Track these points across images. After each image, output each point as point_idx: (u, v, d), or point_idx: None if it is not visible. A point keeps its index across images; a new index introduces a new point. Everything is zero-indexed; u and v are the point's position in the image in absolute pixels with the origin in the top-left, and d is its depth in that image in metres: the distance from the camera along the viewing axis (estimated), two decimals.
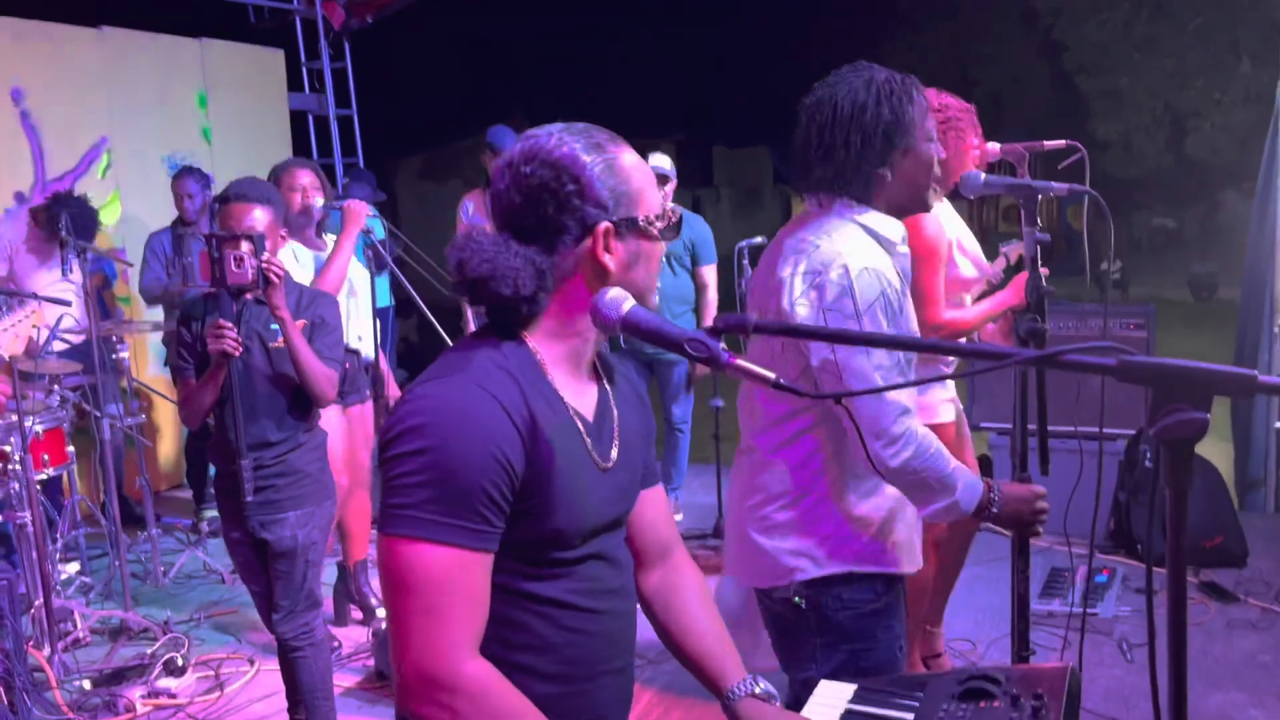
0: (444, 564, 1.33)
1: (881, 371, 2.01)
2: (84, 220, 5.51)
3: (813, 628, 2.14)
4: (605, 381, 1.59)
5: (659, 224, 1.49)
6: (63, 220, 5.38)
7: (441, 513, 1.32)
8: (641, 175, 1.48)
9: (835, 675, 1.73)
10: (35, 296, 5.19)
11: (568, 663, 1.48)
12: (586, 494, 1.45)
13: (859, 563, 2.11)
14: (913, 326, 2.16)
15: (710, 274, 5.52)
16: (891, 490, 2.14)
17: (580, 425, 1.48)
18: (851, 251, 2.04)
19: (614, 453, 1.53)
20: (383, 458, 1.37)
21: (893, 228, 2.14)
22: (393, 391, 4.61)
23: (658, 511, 1.73)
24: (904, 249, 2.18)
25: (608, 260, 1.44)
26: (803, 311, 2.03)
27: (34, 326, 2.80)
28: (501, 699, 1.36)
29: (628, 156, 1.48)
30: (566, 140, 1.44)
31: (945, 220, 3.20)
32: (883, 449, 1.99)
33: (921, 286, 3.03)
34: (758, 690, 1.61)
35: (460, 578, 1.34)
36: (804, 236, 2.11)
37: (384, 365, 4.61)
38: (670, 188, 5.39)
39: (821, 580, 2.11)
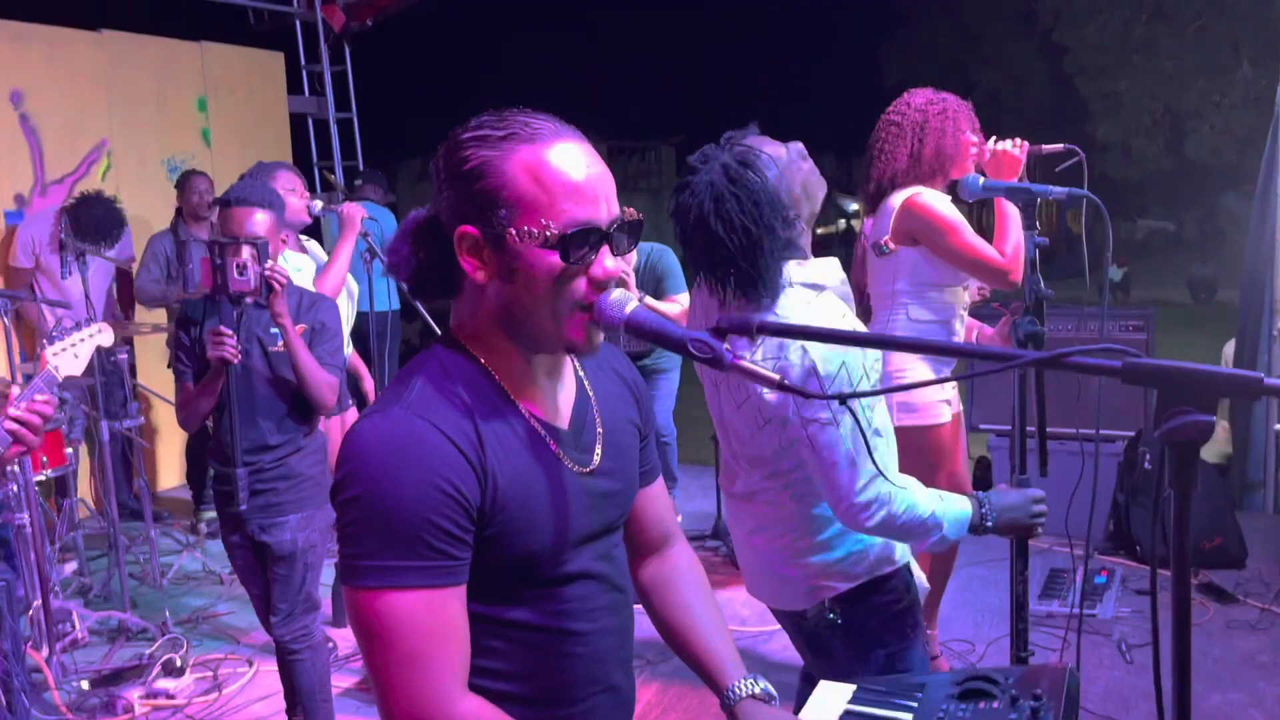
0: (411, 609, 1.26)
1: (854, 438, 1.99)
2: (110, 221, 5.55)
3: (849, 639, 2.16)
4: (585, 381, 1.50)
5: (533, 243, 1.27)
6: (63, 222, 5.39)
7: (394, 556, 1.25)
8: (536, 182, 1.27)
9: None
10: (33, 299, 5.20)
11: (556, 687, 1.41)
12: (560, 506, 1.37)
13: (882, 565, 2.15)
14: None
15: (682, 299, 5.05)
16: None
17: (545, 434, 1.38)
18: (819, 314, 2.05)
19: (596, 457, 1.44)
20: (332, 500, 1.31)
21: (829, 269, 2.14)
22: (368, 386, 4.64)
23: (660, 507, 1.68)
24: (845, 287, 2.16)
25: (470, 268, 1.31)
26: (770, 397, 2.04)
27: (99, 347, 2.80)
28: None
29: (530, 154, 1.28)
30: (471, 129, 1.31)
31: None
32: (857, 514, 2.01)
33: (969, 254, 3.13)
34: (757, 690, 1.56)
35: (431, 619, 1.27)
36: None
37: (358, 363, 4.65)
38: None
39: (851, 593, 2.14)
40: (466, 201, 1.30)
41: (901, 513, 2.01)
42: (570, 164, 1.29)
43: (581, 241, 1.28)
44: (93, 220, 5.44)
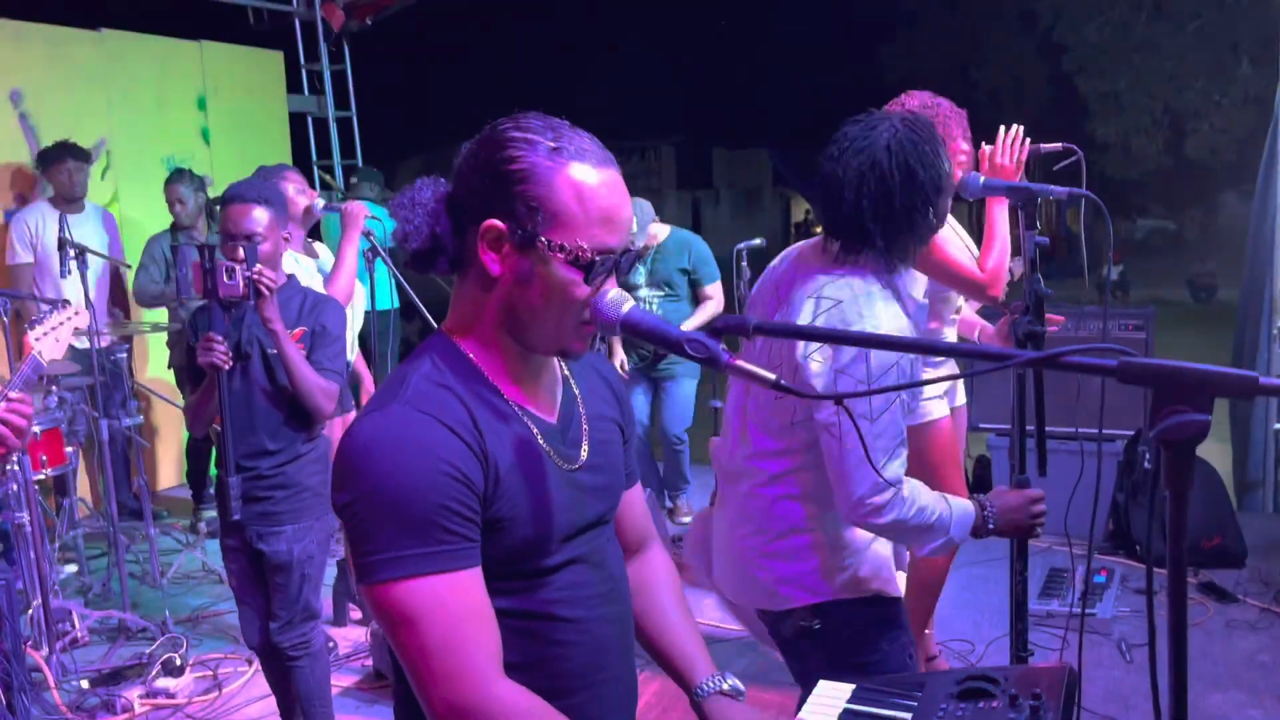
0: (437, 594, 1.27)
1: (881, 440, 2.00)
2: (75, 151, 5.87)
3: (820, 647, 2.15)
4: (571, 380, 1.53)
5: (561, 256, 1.31)
6: (63, 220, 5.39)
7: (411, 545, 1.26)
8: (578, 201, 1.31)
9: None
10: (34, 297, 5.20)
11: (558, 677, 1.43)
12: (552, 499, 1.39)
13: (850, 590, 2.14)
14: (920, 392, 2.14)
15: (714, 290, 5.49)
16: None
17: (536, 429, 1.41)
18: (872, 317, 2.04)
19: (583, 453, 1.48)
20: (335, 506, 1.32)
21: (916, 284, 2.17)
22: (368, 385, 4.64)
23: (638, 510, 1.72)
24: (922, 300, 2.19)
25: (488, 260, 1.34)
26: (815, 367, 2.03)
27: (76, 330, 2.84)
28: (538, 716, 1.33)
29: (578, 173, 1.31)
30: (523, 128, 1.34)
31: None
32: (868, 515, 2.00)
33: (948, 267, 3.08)
34: (725, 687, 1.59)
35: (458, 602, 1.28)
36: (824, 290, 2.09)
37: (362, 366, 4.65)
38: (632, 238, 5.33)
39: (820, 605, 2.13)
40: (502, 198, 1.33)
41: (912, 515, 2.01)
42: (610, 193, 1.34)
43: (603, 268, 1.34)
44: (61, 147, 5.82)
